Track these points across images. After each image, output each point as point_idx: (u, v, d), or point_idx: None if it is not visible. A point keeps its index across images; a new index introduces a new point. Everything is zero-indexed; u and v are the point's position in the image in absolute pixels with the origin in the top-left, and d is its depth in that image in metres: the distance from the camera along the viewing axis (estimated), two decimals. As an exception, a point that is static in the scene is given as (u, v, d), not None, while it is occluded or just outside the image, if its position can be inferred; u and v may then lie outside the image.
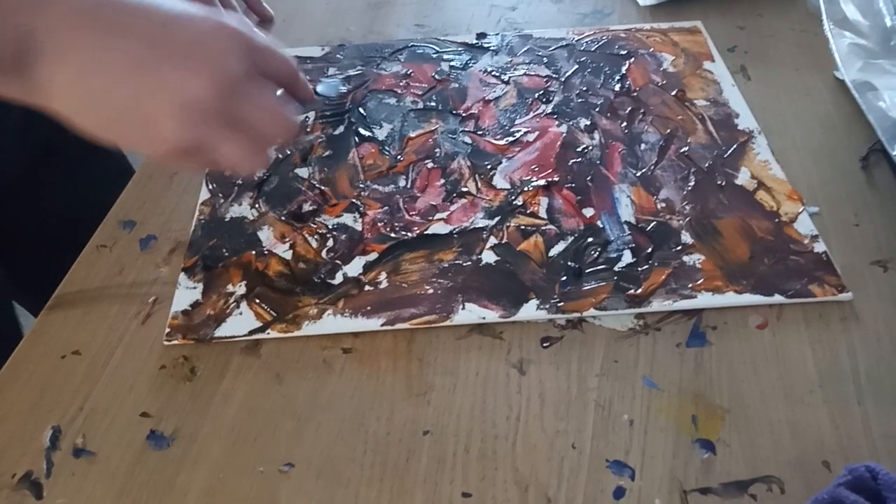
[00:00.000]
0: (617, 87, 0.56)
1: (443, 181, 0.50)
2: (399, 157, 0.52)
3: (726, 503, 0.34)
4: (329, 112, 0.56)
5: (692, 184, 0.48)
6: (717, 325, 0.41)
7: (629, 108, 0.54)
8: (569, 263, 0.44)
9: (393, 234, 0.46)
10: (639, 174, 0.49)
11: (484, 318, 0.41)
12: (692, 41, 0.61)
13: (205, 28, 0.33)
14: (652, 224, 0.46)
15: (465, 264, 0.44)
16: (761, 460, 0.35)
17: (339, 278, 0.44)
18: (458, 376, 0.39)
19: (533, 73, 0.58)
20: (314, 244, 0.46)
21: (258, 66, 0.34)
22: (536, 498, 0.34)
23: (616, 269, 0.43)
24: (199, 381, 0.40)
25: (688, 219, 0.46)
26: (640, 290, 0.42)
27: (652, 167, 0.50)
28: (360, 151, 0.53)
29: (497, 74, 0.59)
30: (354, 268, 0.45)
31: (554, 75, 0.58)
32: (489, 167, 0.51)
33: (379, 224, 0.47)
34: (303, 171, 0.51)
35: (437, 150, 0.52)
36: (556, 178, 0.49)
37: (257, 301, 0.43)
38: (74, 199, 0.58)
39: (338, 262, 0.45)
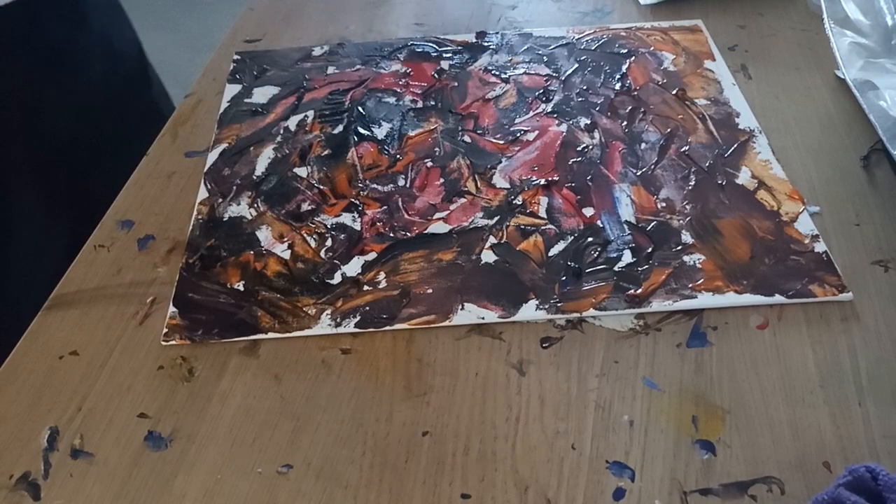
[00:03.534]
0: (617, 86, 0.56)
1: (442, 180, 0.50)
2: (398, 156, 0.52)
3: (727, 504, 0.34)
4: (328, 111, 0.56)
5: (692, 183, 0.48)
6: (718, 325, 0.41)
7: (629, 108, 0.54)
8: (569, 263, 0.44)
9: (392, 234, 0.46)
10: (639, 173, 0.49)
11: (483, 318, 0.41)
12: (693, 40, 0.60)
13: None
14: (652, 224, 0.46)
15: (464, 264, 0.44)
16: (762, 461, 0.35)
17: (337, 278, 0.44)
18: (457, 377, 0.39)
19: (533, 72, 0.58)
20: (313, 244, 0.46)
21: None
22: (536, 499, 0.34)
23: (616, 269, 0.43)
24: (197, 381, 0.40)
25: (688, 218, 0.46)
26: (640, 291, 0.42)
27: (652, 166, 0.49)
28: (358, 150, 0.53)
29: (497, 73, 0.59)
30: (353, 268, 0.44)
31: (554, 74, 0.58)
32: (489, 166, 0.50)
33: (378, 224, 0.47)
34: (301, 171, 0.51)
35: (437, 149, 0.52)
36: (555, 178, 0.49)
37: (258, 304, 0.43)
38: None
39: (336, 261, 0.45)
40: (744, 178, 0.48)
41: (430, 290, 0.43)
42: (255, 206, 0.49)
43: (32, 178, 0.60)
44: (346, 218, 0.48)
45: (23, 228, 0.60)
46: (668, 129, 0.52)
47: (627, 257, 0.44)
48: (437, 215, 0.47)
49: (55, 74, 0.61)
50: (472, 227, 0.46)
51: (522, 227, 0.46)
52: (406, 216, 0.47)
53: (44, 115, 0.60)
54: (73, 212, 0.56)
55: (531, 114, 0.55)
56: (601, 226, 0.46)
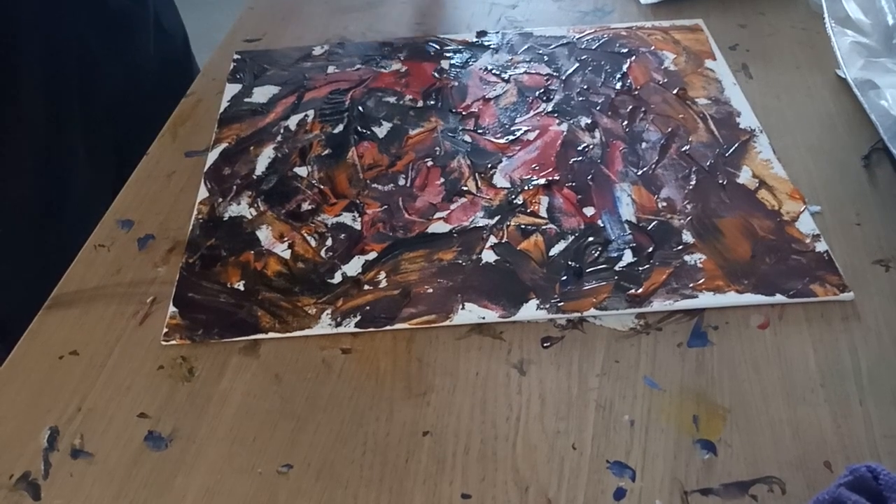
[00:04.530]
0: (618, 86, 0.56)
1: (442, 180, 0.50)
2: (398, 155, 0.52)
3: (727, 504, 0.34)
4: (328, 110, 0.56)
5: (693, 183, 0.48)
6: (719, 324, 0.40)
7: (630, 107, 0.54)
8: (569, 263, 0.44)
9: (392, 234, 0.46)
10: (640, 173, 0.49)
11: (484, 318, 0.41)
12: (693, 39, 0.60)
13: None
14: (653, 223, 0.45)
15: (464, 264, 0.44)
16: (762, 461, 0.35)
17: (338, 278, 0.44)
18: (457, 377, 0.39)
19: (533, 72, 0.58)
20: (313, 243, 0.46)
21: None
22: (536, 499, 0.34)
23: (617, 268, 0.43)
24: (197, 381, 0.40)
25: (689, 218, 0.46)
26: (640, 290, 0.42)
27: (653, 166, 0.49)
28: (359, 150, 0.52)
29: (497, 73, 0.58)
30: (353, 267, 0.44)
31: (554, 74, 0.58)
32: (489, 166, 0.50)
33: (378, 223, 0.47)
34: (301, 170, 0.51)
35: (437, 148, 0.52)
36: (556, 177, 0.49)
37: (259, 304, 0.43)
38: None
39: (336, 261, 0.45)
40: (745, 177, 0.48)
41: (430, 290, 0.43)
42: (256, 205, 0.49)
43: (83, 134, 0.62)
44: (347, 217, 0.48)
45: (72, 179, 0.62)
46: (669, 129, 0.52)
47: (628, 257, 0.44)
48: (438, 215, 0.47)
49: (110, 41, 0.63)
50: (472, 226, 0.46)
51: (523, 226, 0.46)
52: (406, 216, 0.47)
53: (98, 77, 0.62)
54: (116, 175, 0.58)
55: (532, 113, 0.54)
56: (602, 225, 0.46)
